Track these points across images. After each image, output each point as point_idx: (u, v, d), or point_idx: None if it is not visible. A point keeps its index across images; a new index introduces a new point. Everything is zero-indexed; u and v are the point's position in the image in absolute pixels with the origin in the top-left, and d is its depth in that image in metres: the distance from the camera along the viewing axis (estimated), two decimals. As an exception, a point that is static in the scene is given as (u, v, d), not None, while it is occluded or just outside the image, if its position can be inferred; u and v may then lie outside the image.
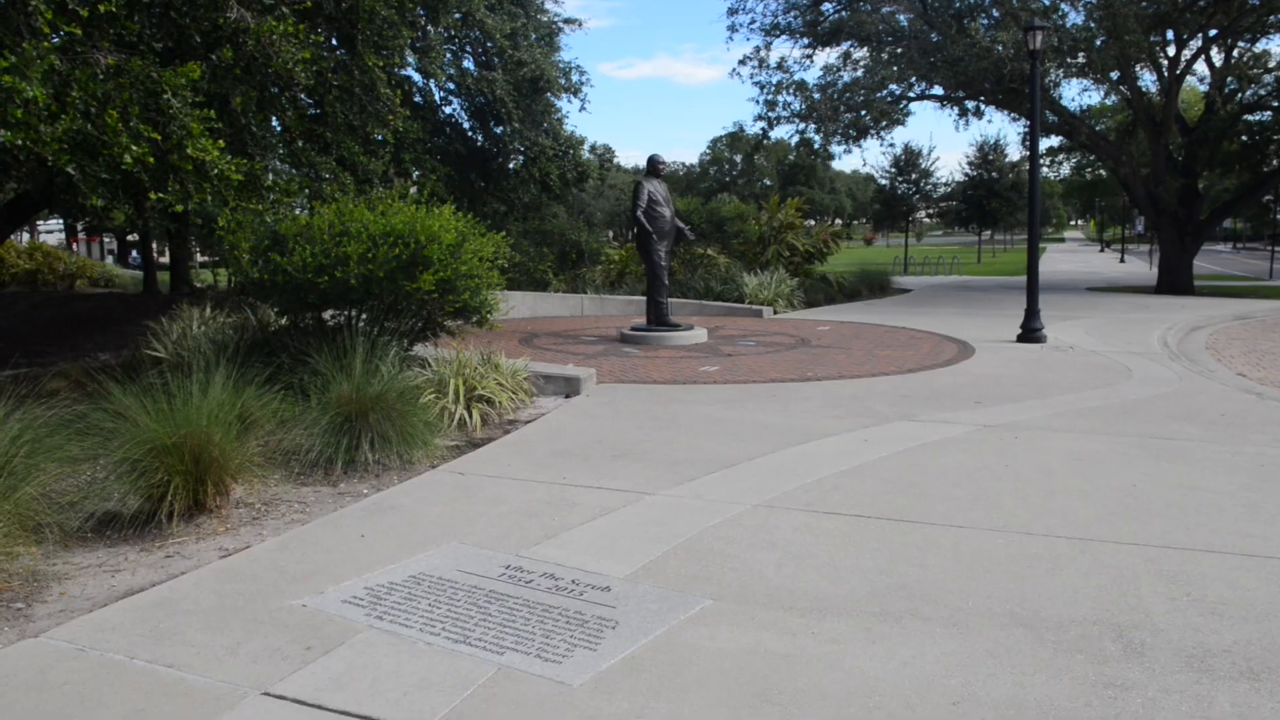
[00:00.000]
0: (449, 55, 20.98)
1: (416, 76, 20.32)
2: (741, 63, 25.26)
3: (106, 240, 47.80)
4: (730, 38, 55.12)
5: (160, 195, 7.58)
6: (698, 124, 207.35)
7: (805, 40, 24.33)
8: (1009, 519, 5.17)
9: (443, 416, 7.37)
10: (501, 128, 22.13)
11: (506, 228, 18.66)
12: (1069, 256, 56.52)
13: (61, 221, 37.70)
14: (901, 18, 22.37)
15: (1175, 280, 23.97)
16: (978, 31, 19.74)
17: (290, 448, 6.36)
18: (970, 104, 25.61)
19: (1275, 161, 25.21)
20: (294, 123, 10.80)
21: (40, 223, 43.85)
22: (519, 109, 21.49)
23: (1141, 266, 40.22)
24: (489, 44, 21.30)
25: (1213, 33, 21.86)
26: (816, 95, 23.46)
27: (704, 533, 4.97)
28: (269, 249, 8.06)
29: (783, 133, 26.48)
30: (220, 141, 7.73)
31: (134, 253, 36.32)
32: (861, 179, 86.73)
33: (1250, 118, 24.88)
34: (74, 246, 41.29)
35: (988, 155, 47.99)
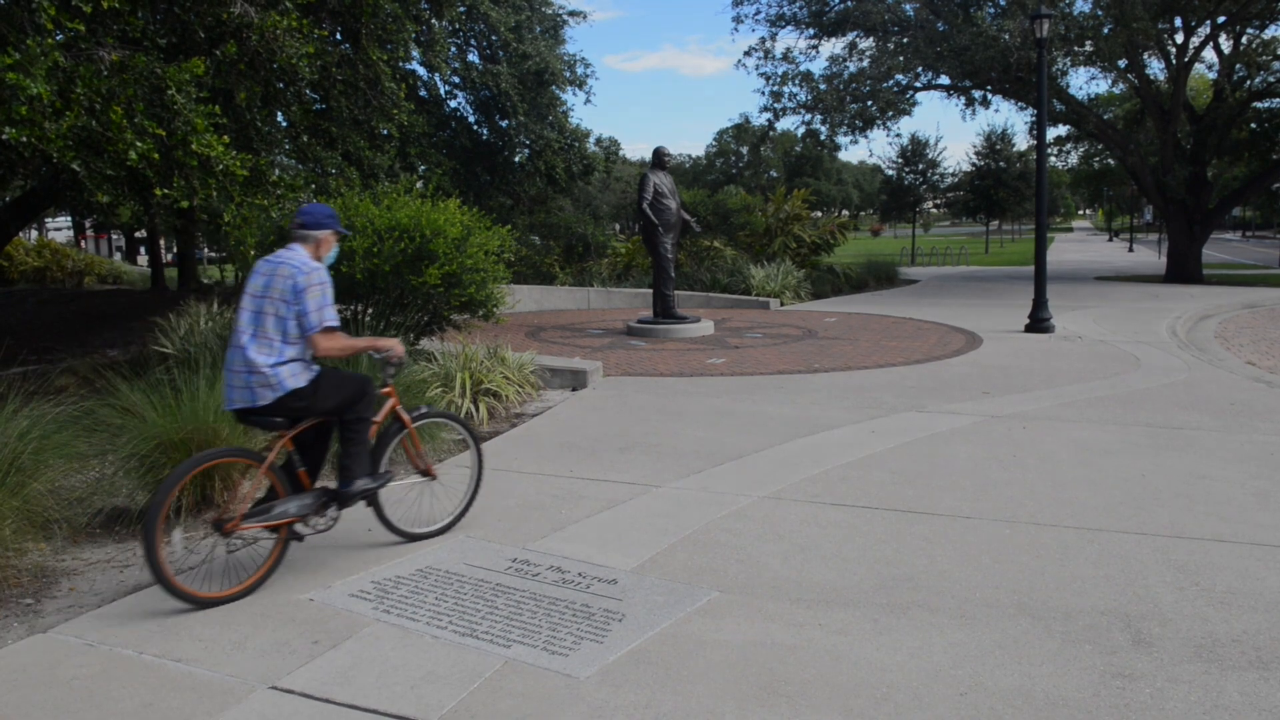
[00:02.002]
0: (454, 49, 20.96)
1: (421, 70, 20.32)
2: (747, 54, 25.11)
3: (115, 237, 47.97)
4: (736, 29, 54.81)
5: (166, 191, 7.58)
6: (704, 116, 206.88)
7: (811, 31, 24.20)
8: (1017, 509, 5.15)
9: (449, 410, 7.37)
10: (507, 121, 22.11)
11: (512, 221, 18.67)
12: (1077, 246, 56.29)
13: (70, 218, 37.81)
14: (907, 7, 22.23)
15: (1184, 269, 23.85)
16: (984, 20, 19.63)
17: (297, 442, 6.37)
18: (977, 93, 25.46)
19: (1285, 149, 25.05)
20: (299, 118, 10.79)
21: (49, 220, 43.98)
22: (524, 102, 21.47)
23: (1150, 255, 40.04)
24: (493, 37, 21.28)
25: (1221, 19, 21.69)
26: (822, 86, 23.35)
27: (711, 525, 4.96)
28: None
29: (789, 124, 26.41)
30: (225, 137, 7.73)
31: (173, 252, 35.25)
32: (868, 170, 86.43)
33: (1259, 105, 24.69)
34: (82, 243, 41.43)
35: (995, 145, 47.70)
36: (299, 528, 4.33)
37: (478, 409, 7.63)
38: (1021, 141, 48.12)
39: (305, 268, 4.15)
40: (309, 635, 3.69)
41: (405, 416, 4.75)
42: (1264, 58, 23.28)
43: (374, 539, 4.83)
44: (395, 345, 4.52)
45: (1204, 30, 22.63)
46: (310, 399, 4.18)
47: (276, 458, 4.20)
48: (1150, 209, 44.53)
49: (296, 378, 4.13)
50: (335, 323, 4.17)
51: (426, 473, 4.96)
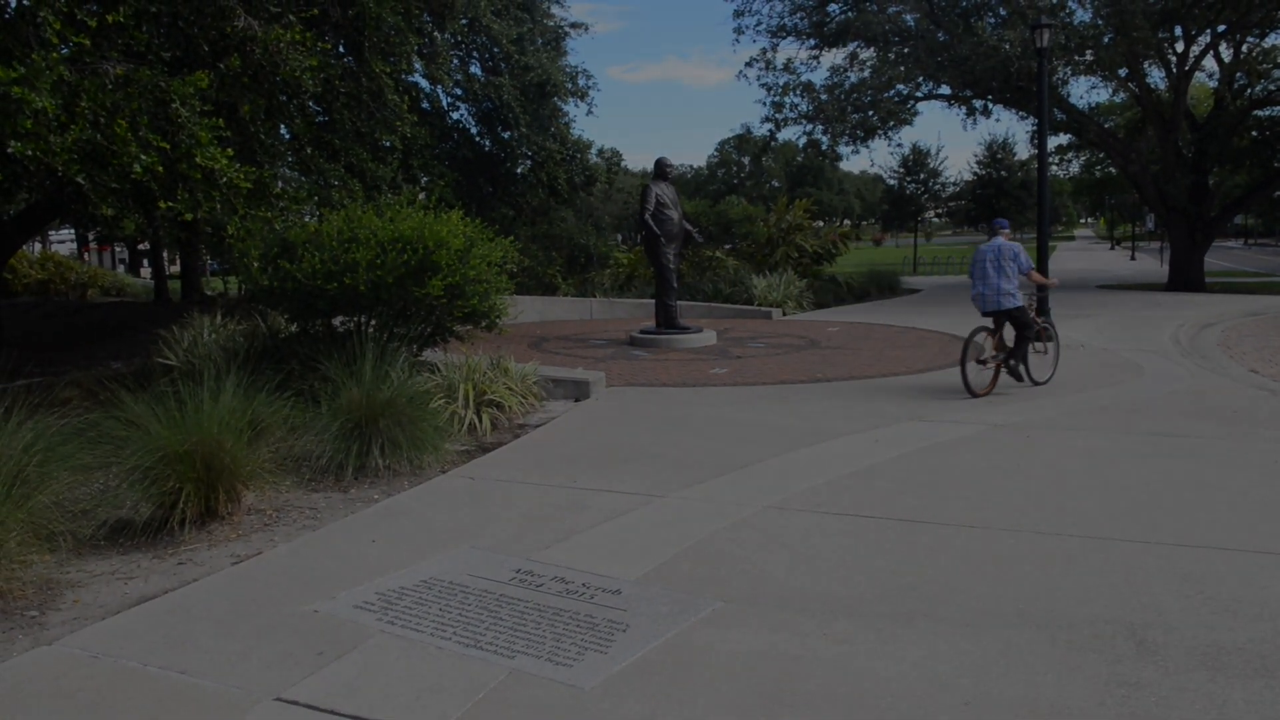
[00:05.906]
0: (456, 61, 21.03)
1: (424, 83, 20.39)
2: (749, 65, 25.22)
3: (118, 249, 48.06)
4: (737, 40, 55.42)
5: (170, 204, 7.62)
6: (706, 126, 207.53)
7: (812, 41, 24.30)
8: (1020, 518, 5.15)
9: (453, 421, 7.38)
10: (509, 133, 22.16)
11: (515, 232, 18.71)
12: (1079, 254, 56.29)
13: (73, 231, 37.89)
14: (908, 17, 22.32)
15: (1186, 277, 23.83)
16: (985, 30, 19.70)
17: (301, 454, 6.39)
18: (978, 103, 25.52)
19: (1286, 157, 25.04)
20: (302, 130, 10.84)
21: (52, 232, 44.07)
22: (526, 114, 21.53)
23: (1152, 264, 40.01)
24: (495, 49, 21.36)
25: (1221, 28, 21.73)
26: (824, 96, 23.42)
27: (714, 535, 4.97)
28: (278, 256, 8.09)
29: (790, 134, 26.39)
30: (229, 150, 7.77)
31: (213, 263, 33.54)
32: (870, 179, 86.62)
33: (1260, 113, 24.71)
34: (85, 256, 41.48)
35: (996, 154, 47.86)
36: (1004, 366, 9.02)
37: (481, 420, 7.64)
38: (1023, 150, 48.31)
39: (1015, 244, 8.98)
40: (314, 646, 3.70)
41: (1037, 319, 9.40)
42: (1264, 66, 23.33)
43: (378, 550, 4.84)
44: (1054, 281, 10.23)
45: (1204, 39, 22.69)
46: (1020, 312, 8.90)
47: (999, 331, 9.07)
48: (1152, 217, 44.49)
49: (1019, 300, 8.88)
50: (1034, 266, 9.07)
51: (1042, 350, 9.67)
